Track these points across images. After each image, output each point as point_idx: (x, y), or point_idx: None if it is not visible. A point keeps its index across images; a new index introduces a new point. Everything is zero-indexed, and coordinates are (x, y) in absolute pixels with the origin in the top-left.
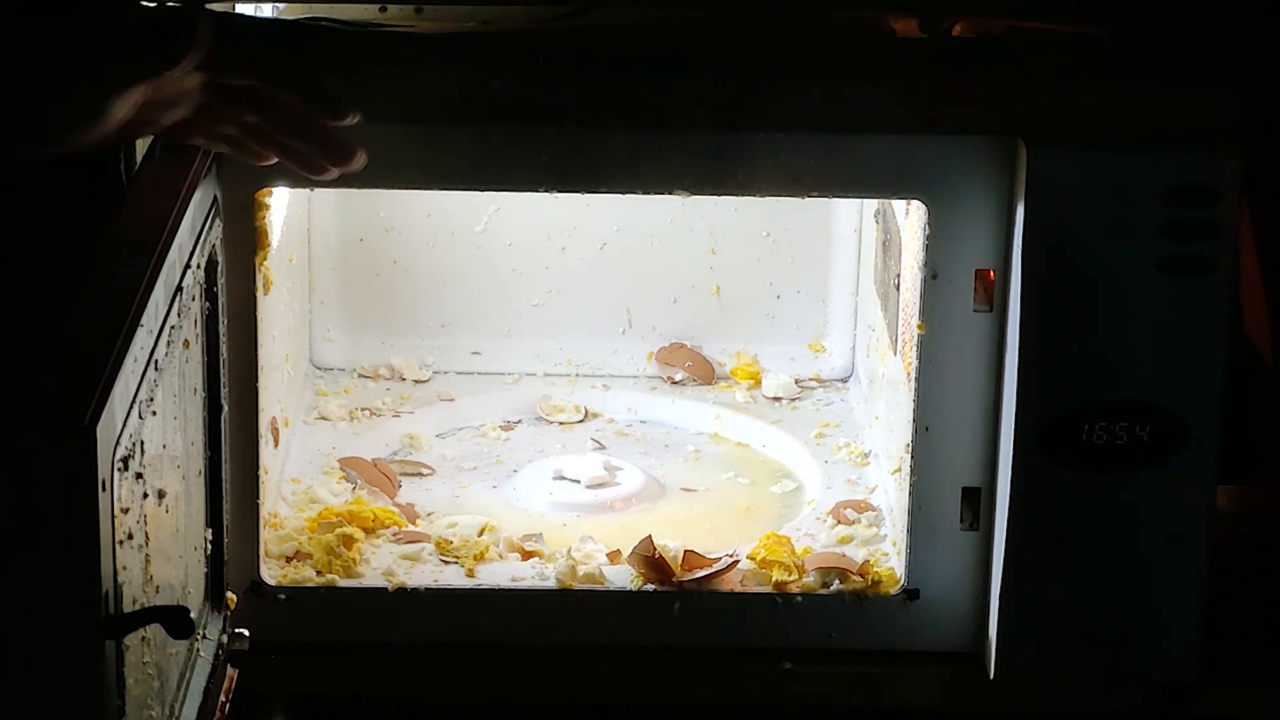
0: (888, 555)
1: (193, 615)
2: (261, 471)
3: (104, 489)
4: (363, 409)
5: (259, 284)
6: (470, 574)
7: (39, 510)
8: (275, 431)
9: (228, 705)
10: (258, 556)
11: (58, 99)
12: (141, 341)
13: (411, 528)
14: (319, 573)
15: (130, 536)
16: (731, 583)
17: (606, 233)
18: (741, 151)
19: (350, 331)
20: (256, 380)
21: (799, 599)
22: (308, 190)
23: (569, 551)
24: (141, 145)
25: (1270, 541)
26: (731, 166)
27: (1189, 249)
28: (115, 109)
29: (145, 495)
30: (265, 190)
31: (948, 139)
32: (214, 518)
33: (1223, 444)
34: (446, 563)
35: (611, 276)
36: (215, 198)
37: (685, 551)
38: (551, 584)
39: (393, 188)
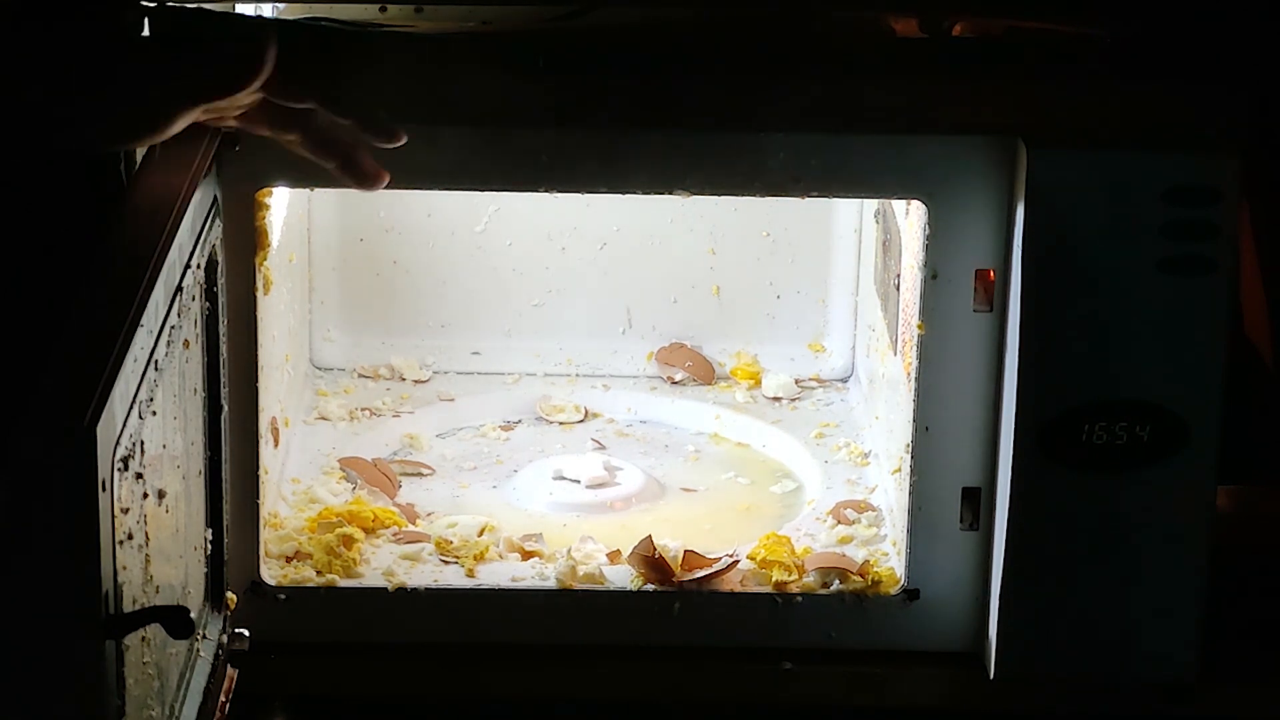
0: (888, 555)
1: (193, 615)
2: (261, 471)
3: (104, 489)
4: (363, 409)
5: (259, 284)
6: (470, 574)
7: (39, 510)
8: (275, 431)
9: (228, 705)
10: (258, 556)
11: (120, 104)
12: (141, 341)
13: (411, 528)
14: (319, 573)
15: (130, 537)
16: (731, 583)
17: (606, 233)
18: (741, 151)
19: (350, 331)
20: (256, 380)
21: (799, 599)
22: (308, 190)
23: (569, 551)
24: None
25: (1270, 541)
26: (731, 166)
27: (1189, 249)
28: (174, 119)
29: (145, 495)
30: (265, 190)
31: (948, 139)
32: (214, 518)
33: (1223, 444)
34: (446, 563)
35: (611, 276)
36: (215, 198)
37: (685, 551)
38: (551, 584)
39: (393, 188)
